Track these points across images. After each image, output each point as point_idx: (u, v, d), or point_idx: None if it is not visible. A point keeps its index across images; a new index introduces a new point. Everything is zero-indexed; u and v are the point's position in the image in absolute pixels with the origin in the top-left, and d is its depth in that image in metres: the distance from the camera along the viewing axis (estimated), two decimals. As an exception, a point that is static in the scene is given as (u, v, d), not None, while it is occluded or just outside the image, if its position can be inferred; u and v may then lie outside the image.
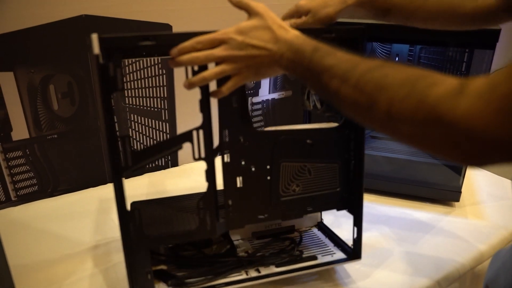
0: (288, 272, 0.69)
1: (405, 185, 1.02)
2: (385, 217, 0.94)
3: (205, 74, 0.56)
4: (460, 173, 0.98)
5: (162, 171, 1.17)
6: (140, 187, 1.06)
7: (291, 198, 0.69)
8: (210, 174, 0.63)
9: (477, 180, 1.14)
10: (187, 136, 0.61)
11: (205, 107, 0.61)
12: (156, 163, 1.17)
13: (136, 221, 0.60)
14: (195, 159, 0.62)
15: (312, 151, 0.69)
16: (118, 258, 0.78)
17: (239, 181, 0.65)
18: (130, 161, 0.58)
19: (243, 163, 0.65)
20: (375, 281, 0.74)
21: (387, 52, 1.12)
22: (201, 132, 0.61)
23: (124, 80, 1.03)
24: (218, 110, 0.62)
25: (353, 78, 0.45)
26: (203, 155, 0.62)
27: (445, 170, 1.03)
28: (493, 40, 0.85)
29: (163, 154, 0.62)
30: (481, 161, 0.36)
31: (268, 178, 0.67)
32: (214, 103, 0.62)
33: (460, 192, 0.98)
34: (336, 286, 0.72)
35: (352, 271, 0.75)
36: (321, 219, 0.84)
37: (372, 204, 0.99)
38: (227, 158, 0.64)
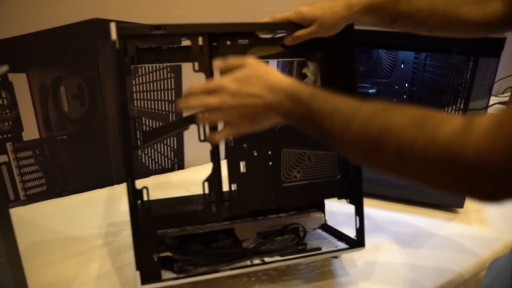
0: (292, 259, 0.70)
1: (408, 191, 1.02)
2: (389, 222, 0.94)
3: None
4: (464, 179, 0.99)
5: (168, 173, 1.18)
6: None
7: (293, 184, 0.72)
8: (214, 155, 0.67)
9: (482, 187, 1.14)
10: (193, 118, 0.64)
11: None
12: (162, 165, 1.18)
13: (144, 201, 0.63)
14: (201, 141, 0.66)
15: (311, 138, 0.71)
16: (127, 258, 0.78)
17: (242, 166, 0.69)
18: (140, 138, 0.63)
19: (245, 147, 0.69)
20: (378, 285, 0.74)
21: (393, 59, 1.14)
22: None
23: (133, 83, 1.06)
24: None
25: (356, 124, 0.44)
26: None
27: (450, 176, 1.03)
28: (498, 48, 0.86)
29: (171, 134, 0.67)
30: (496, 198, 0.36)
31: (270, 163, 0.70)
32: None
33: (464, 198, 0.98)
34: (339, 289, 0.72)
35: (354, 274, 0.76)
36: (325, 220, 0.85)
37: (375, 210, 0.99)
38: (230, 143, 0.68)
